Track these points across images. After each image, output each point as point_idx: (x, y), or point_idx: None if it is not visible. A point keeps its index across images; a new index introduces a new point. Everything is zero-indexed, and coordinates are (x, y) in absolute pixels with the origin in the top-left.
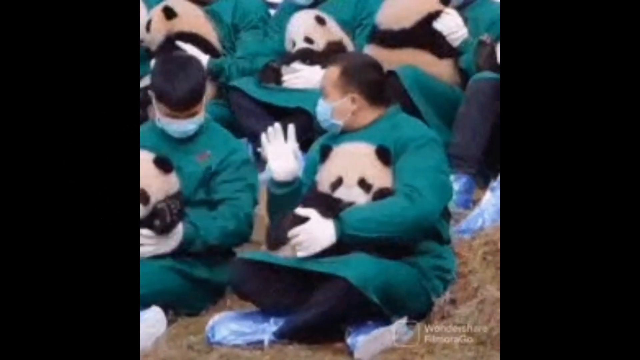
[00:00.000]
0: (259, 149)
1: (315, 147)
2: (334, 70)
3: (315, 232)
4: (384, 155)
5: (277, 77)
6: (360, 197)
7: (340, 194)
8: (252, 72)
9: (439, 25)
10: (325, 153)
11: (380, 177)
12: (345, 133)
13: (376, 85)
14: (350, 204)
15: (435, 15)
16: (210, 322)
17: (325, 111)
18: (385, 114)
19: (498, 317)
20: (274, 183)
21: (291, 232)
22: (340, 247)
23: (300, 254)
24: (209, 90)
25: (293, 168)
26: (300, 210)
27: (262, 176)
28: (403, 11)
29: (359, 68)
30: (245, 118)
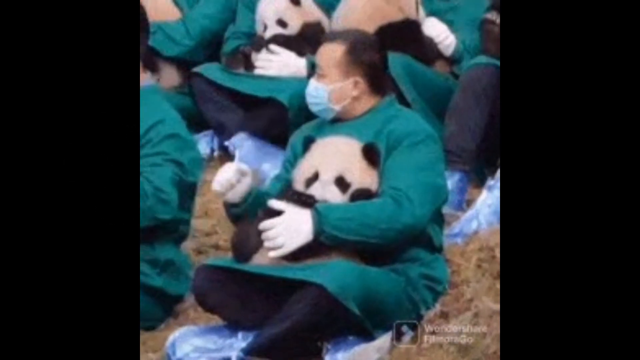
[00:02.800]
0: (226, 143)
1: (294, 140)
2: (338, 48)
3: (291, 225)
4: (371, 154)
5: (246, 63)
6: (335, 197)
7: (314, 190)
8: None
9: (429, 30)
10: (307, 145)
11: (362, 177)
12: (335, 122)
13: (380, 71)
14: (324, 202)
15: (401, 23)
16: (171, 338)
17: (319, 93)
18: (379, 104)
19: (495, 332)
20: (225, 204)
21: (263, 224)
22: (315, 248)
23: (273, 253)
24: (175, 77)
25: (229, 177)
26: (274, 203)
27: None
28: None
29: (367, 48)
30: (210, 108)
